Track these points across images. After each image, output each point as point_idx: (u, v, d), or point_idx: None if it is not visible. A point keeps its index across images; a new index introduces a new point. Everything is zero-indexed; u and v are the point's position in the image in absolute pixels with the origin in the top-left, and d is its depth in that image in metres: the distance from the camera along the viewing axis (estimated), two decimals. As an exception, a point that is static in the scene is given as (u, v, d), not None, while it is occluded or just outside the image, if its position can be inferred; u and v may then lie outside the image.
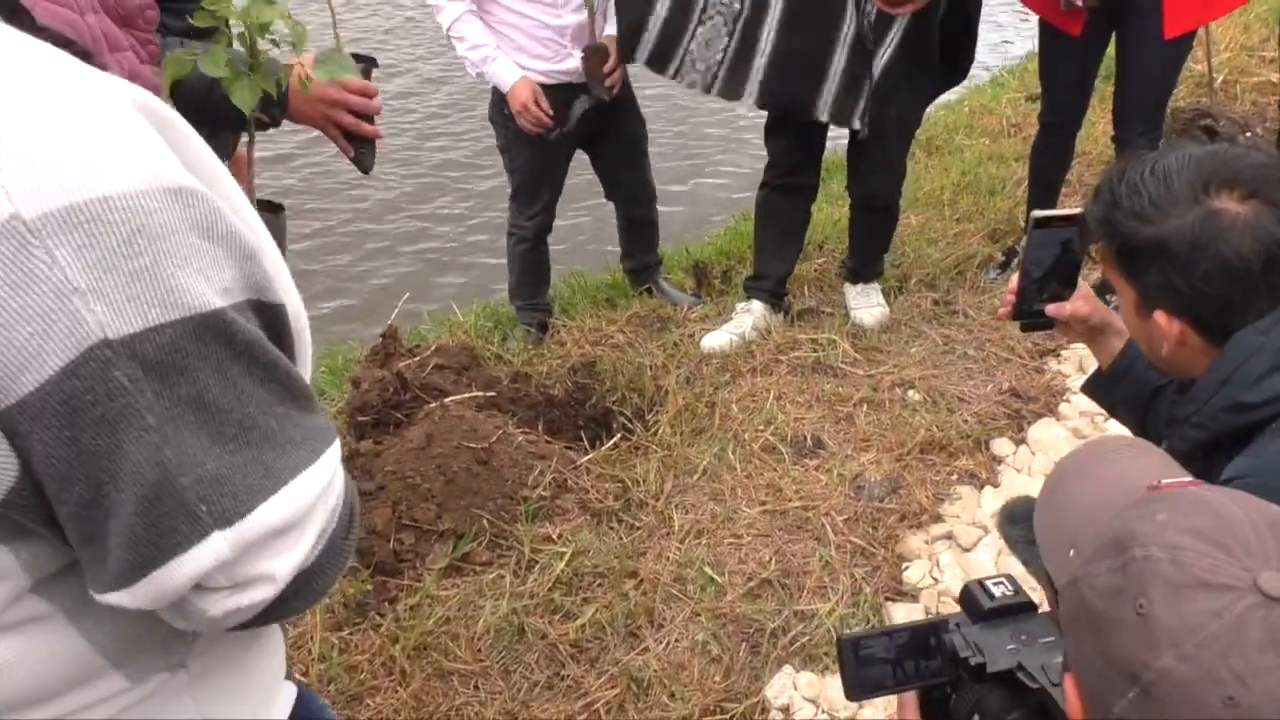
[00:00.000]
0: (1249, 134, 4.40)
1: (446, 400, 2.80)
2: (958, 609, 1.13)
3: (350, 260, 4.72)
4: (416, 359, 2.98)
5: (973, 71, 6.47)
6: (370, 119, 1.69)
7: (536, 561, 2.48)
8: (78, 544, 0.67)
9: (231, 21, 1.51)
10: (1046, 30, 3.24)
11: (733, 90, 2.96)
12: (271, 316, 0.75)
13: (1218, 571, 0.73)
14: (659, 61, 2.98)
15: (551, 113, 2.99)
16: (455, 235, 4.92)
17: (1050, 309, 1.61)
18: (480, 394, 2.88)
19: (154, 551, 0.66)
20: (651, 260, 3.62)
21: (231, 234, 0.69)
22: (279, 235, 1.60)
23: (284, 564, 0.72)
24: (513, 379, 3.10)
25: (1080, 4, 2.97)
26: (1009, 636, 1.08)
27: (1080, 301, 1.61)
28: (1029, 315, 1.65)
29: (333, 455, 0.77)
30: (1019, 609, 1.09)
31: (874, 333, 3.29)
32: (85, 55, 0.81)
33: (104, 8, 1.37)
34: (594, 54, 2.96)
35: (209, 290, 0.66)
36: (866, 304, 3.38)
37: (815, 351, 3.19)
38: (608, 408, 3.10)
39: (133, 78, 1.37)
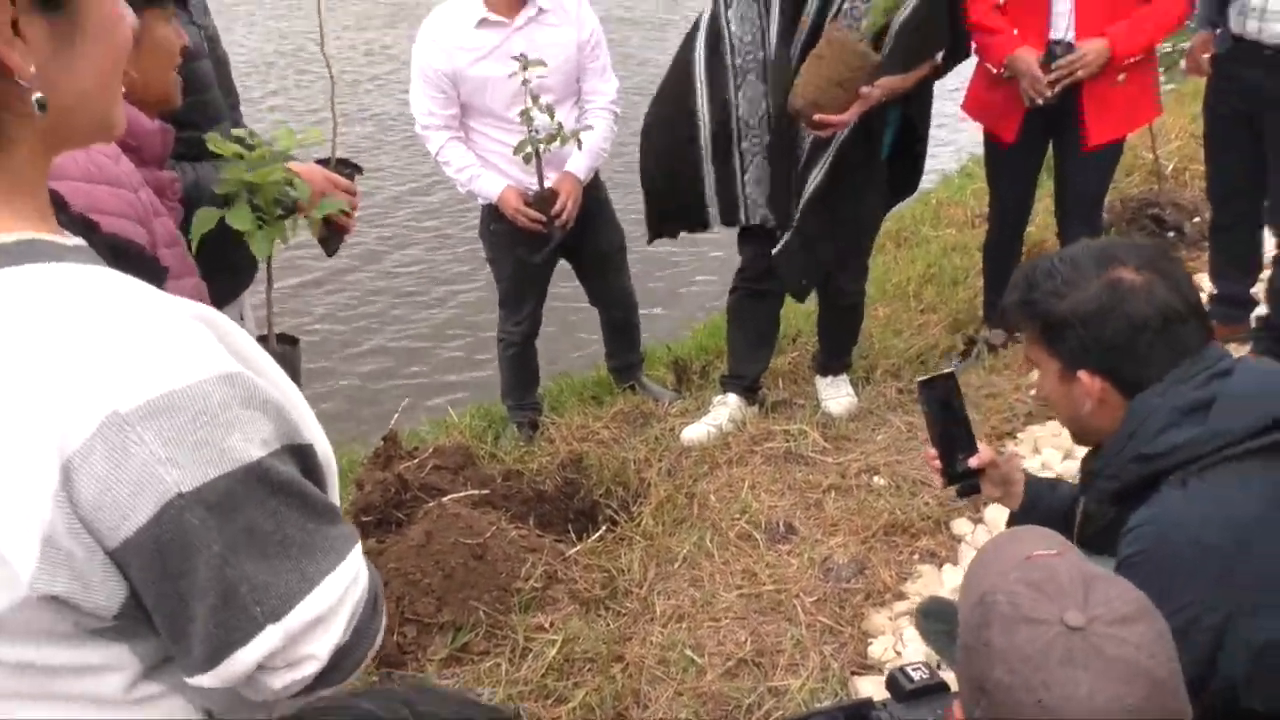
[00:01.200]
0: (1196, 219, 4.71)
1: (444, 499, 3.01)
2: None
3: (353, 367, 4.98)
4: (416, 460, 3.20)
5: (942, 164, 6.81)
6: (347, 214, 2.03)
7: (530, 649, 2.68)
8: (169, 641, 0.90)
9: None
10: (989, 138, 3.55)
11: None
12: (302, 455, 0.97)
13: (1038, 610, 0.99)
14: (730, 218, 3.25)
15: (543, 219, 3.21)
16: (454, 345, 5.19)
17: (973, 461, 1.86)
18: (475, 492, 3.09)
19: (224, 644, 0.89)
20: (634, 359, 3.88)
21: (266, 400, 0.92)
22: (296, 364, 1.86)
23: (324, 645, 0.94)
24: (505, 476, 3.32)
25: (1040, 103, 3.24)
26: (928, 712, 1.32)
27: (986, 449, 1.88)
28: (958, 478, 1.88)
29: (355, 556, 0.99)
30: (936, 689, 1.34)
31: (843, 421, 3.53)
32: (142, 256, 1.07)
33: (147, 181, 1.65)
34: (539, 200, 3.18)
35: (251, 446, 0.89)
36: (835, 395, 3.62)
37: (788, 441, 3.43)
38: (595, 501, 3.31)
39: (172, 235, 1.65)
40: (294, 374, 1.82)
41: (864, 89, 2.90)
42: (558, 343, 4.67)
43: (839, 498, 3.15)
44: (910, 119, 3.24)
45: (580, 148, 3.21)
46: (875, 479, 3.22)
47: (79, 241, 0.94)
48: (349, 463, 3.46)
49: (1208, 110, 3.46)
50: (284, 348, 1.83)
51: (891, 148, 3.26)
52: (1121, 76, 3.24)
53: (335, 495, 1.06)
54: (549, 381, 4.08)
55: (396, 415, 3.59)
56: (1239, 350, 3.58)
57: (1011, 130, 3.38)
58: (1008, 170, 3.55)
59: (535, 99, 2.96)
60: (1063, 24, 3.21)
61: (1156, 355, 1.52)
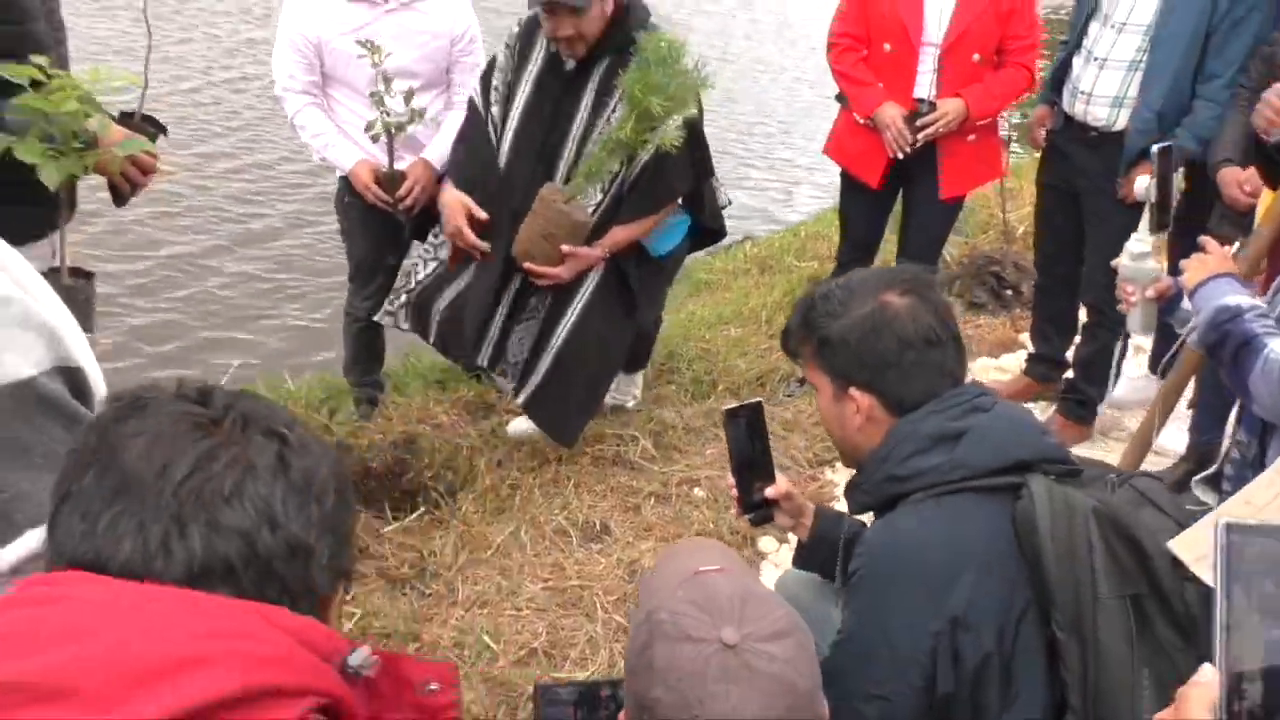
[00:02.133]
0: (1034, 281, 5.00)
1: (263, 465, 3.00)
2: None
3: (187, 320, 4.89)
4: (241, 425, 3.17)
5: (814, 197, 7.01)
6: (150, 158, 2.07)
7: (329, 621, 2.70)
8: None
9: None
10: (847, 180, 3.75)
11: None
12: (73, 377, 1.02)
13: (698, 628, 1.07)
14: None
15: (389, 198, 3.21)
16: (299, 311, 5.14)
17: (769, 491, 1.94)
18: (297, 461, 3.08)
19: None
20: None
21: (40, 323, 0.97)
22: (90, 298, 1.86)
23: None
24: (335, 449, 3.31)
25: (900, 156, 3.46)
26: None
27: (783, 481, 1.97)
28: (753, 507, 1.95)
29: None
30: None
31: (675, 432, 3.65)
32: None
33: None
34: (387, 180, 3.19)
35: (24, 364, 0.94)
36: (627, 391, 3.74)
37: (618, 445, 3.53)
38: (423, 483, 3.33)
39: None
40: (86, 307, 1.81)
41: (579, 249, 2.99)
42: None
43: (658, 504, 3.26)
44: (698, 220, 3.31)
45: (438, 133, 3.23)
46: (695, 490, 3.34)
47: None
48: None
49: (1039, 180, 3.71)
50: (77, 281, 1.82)
51: (691, 230, 3.32)
52: (972, 136, 3.52)
53: None
54: (396, 362, 4.08)
55: (226, 377, 3.55)
56: (1047, 410, 3.85)
57: (876, 176, 3.59)
58: (864, 210, 3.77)
59: (388, 82, 2.97)
60: (926, 83, 3.44)
61: (917, 374, 1.65)
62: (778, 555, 3.11)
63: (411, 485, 3.32)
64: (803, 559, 2.06)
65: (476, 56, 3.33)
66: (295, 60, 3.20)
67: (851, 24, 3.55)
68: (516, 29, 3.12)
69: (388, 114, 3.01)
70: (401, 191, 3.20)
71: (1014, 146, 5.01)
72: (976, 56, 3.41)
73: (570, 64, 3.01)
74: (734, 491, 1.94)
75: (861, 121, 3.54)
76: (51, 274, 1.85)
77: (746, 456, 1.93)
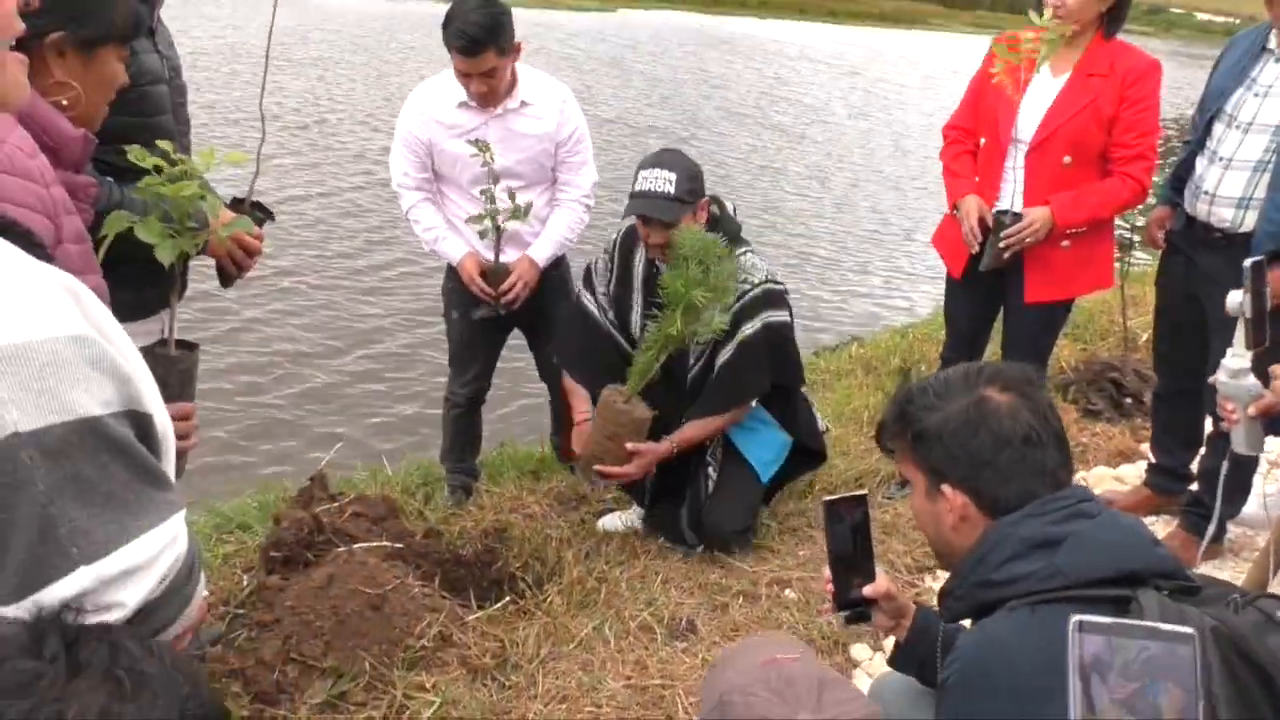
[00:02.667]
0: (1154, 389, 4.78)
1: (354, 547, 3.05)
2: None
3: (301, 409, 5.05)
4: (337, 504, 3.24)
5: (933, 299, 6.92)
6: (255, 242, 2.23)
7: (407, 708, 2.67)
8: None
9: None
10: (950, 276, 3.68)
11: None
12: (141, 422, 1.06)
13: (772, 709, 1.03)
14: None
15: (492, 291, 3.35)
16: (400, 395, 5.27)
17: (866, 589, 1.86)
18: (386, 544, 3.12)
19: (37, 576, 0.95)
20: None
21: (113, 366, 1.02)
22: (191, 369, 1.94)
23: (133, 594, 1.01)
24: (425, 534, 3.34)
25: (982, 269, 3.40)
26: None
27: (883, 579, 1.89)
28: (849, 604, 1.86)
29: (177, 520, 1.07)
30: None
31: (770, 531, 3.57)
32: (28, 236, 1.16)
33: (62, 181, 1.75)
34: (492, 274, 3.34)
35: (93, 403, 0.98)
36: None
37: (710, 543, 3.46)
38: (511, 573, 3.33)
39: (79, 233, 1.75)
40: (187, 378, 1.89)
41: (644, 445, 3.19)
42: (509, 413, 4.74)
43: (746, 604, 3.17)
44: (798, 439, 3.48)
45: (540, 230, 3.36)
46: (786, 591, 3.24)
47: None
48: (274, 498, 3.50)
49: (1158, 283, 3.56)
50: (180, 352, 1.91)
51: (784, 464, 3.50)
52: (1066, 243, 3.38)
53: (170, 466, 1.15)
54: (492, 449, 4.13)
55: (327, 458, 3.64)
56: (1169, 524, 3.62)
57: (958, 268, 3.53)
58: (961, 305, 3.68)
59: (496, 179, 3.11)
60: (1011, 180, 3.37)
61: (1015, 473, 1.58)
62: (871, 664, 2.97)
63: (499, 574, 3.32)
64: (900, 660, 1.96)
65: (581, 156, 3.45)
66: (409, 159, 3.41)
67: (961, 117, 3.56)
68: (616, 237, 3.39)
69: (494, 211, 3.14)
70: (504, 286, 3.33)
71: (1137, 252, 4.86)
72: (1067, 159, 3.29)
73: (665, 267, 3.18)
74: (829, 587, 1.86)
75: (949, 212, 3.52)
76: (160, 345, 1.94)
77: (846, 551, 1.85)
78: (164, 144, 1.96)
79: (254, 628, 2.83)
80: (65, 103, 1.76)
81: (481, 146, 3.11)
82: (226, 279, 2.25)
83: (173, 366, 1.86)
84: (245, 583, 3.05)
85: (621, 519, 3.60)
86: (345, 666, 2.73)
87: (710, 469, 3.39)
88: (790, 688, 1.07)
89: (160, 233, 1.79)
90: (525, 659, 2.89)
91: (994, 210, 3.38)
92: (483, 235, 3.26)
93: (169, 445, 1.14)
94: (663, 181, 3.11)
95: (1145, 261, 5.72)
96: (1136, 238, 4.74)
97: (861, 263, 8.32)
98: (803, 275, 7.88)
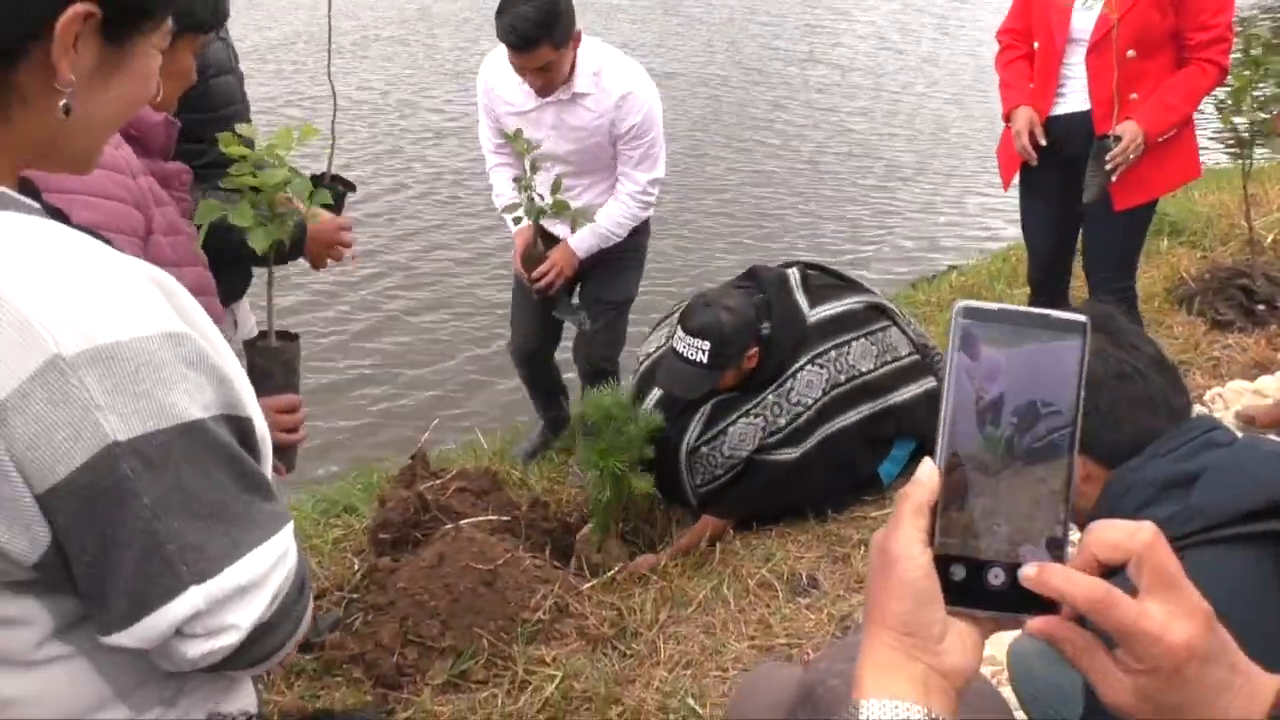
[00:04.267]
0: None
1: (461, 523, 3.03)
2: None
3: (395, 386, 5.07)
4: (439, 481, 3.22)
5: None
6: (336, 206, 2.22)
7: (529, 683, 2.65)
8: (88, 595, 0.90)
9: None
10: (1023, 194, 3.50)
11: None
12: (241, 426, 0.99)
13: None
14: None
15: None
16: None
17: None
18: (494, 517, 3.10)
19: (145, 599, 0.89)
20: None
21: (211, 366, 0.95)
22: (293, 360, 1.90)
23: (246, 616, 0.95)
24: (531, 505, 3.32)
25: (1087, 200, 3.21)
26: None
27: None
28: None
29: (287, 533, 1.00)
30: None
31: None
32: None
33: (150, 171, 1.70)
34: (529, 256, 3.35)
35: (193, 405, 0.91)
36: None
37: (824, 492, 3.36)
38: (622, 536, 3.29)
39: (173, 226, 1.70)
40: (290, 370, 1.84)
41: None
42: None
43: (869, 554, 3.05)
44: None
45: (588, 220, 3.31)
46: (910, 538, 3.12)
47: (37, 206, 0.97)
48: (377, 479, 3.50)
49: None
50: (281, 343, 1.86)
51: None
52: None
53: (269, 473, 1.07)
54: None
55: (426, 434, 3.62)
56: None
57: (1005, 178, 3.41)
58: (1040, 224, 3.52)
59: (535, 169, 3.07)
60: (1072, 95, 3.20)
61: (1122, 413, 1.44)
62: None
63: (609, 540, 3.28)
64: None
65: (642, 151, 3.34)
66: (487, 123, 3.43)
67: (1014, 19, 3.41)
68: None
69: (533, 199, 3.09)
70: (538, 272, 3.33)
71: (1259, 148, 4.54)
72: (1131, 53, 3.07)
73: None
74: None
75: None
76: (260, 337, 1.90)
77: None
78: (245, 129, 1.90)
79: (369, 611, 2.84)
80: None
81: (514, 138, 3.04)
82: (317, 262, 2.21)
83: (275, 358, 1.82)
84: (356, 566, 3.06)
85: None
86: (464, 645, 2.72)
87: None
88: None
89: (254, 218, 1.74)
90: (644, 625, 2.84)
91: (1048, 117, 3.23)
92: (516, 223, 3.27)
93: (267, 451, 1.07)
94: (695, 350, 3.05)
95: (1266, 157, 5.35)
96: (1258, 130, 4.41)
97: (953, 188, 8.03)
98: (891, 204, 7.62)
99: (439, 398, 4.87)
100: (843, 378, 3.21)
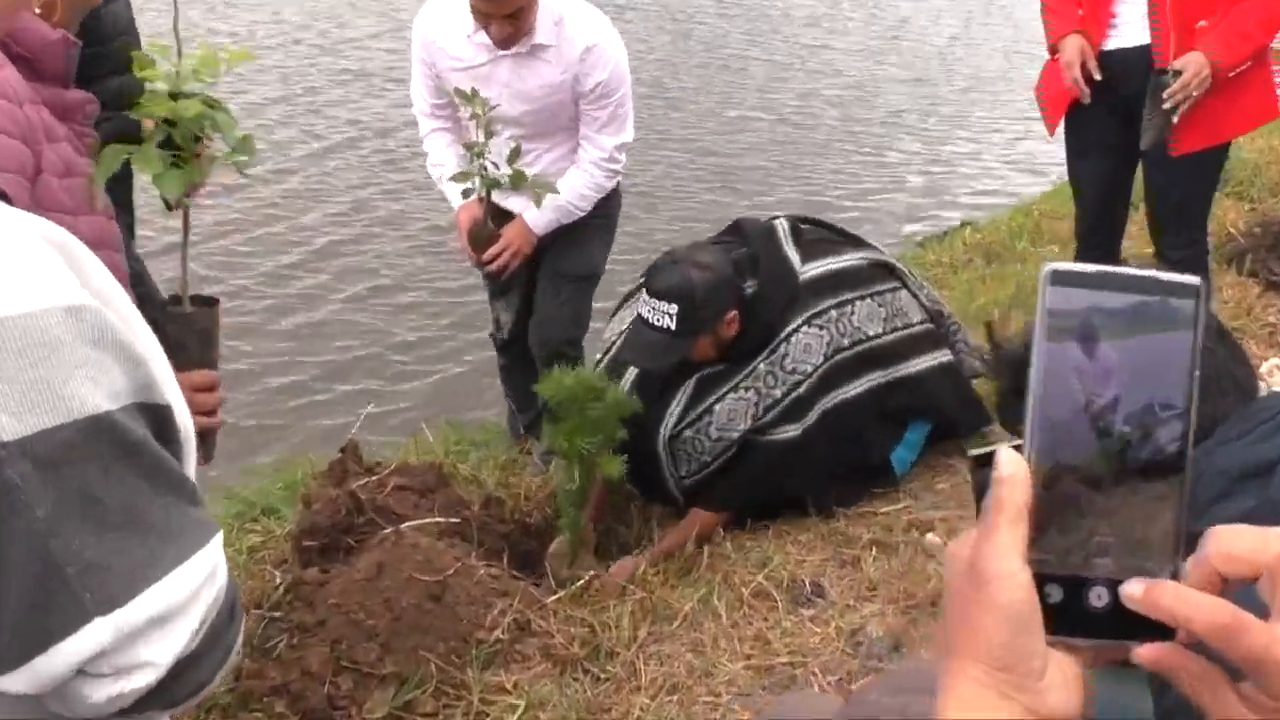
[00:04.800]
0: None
1: (402, 526, 2.94)
2: None
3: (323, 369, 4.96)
4: (375, 478, 3.14)
5: (1048, 166, 6.71)
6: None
7: (487, 714, 2.58)
8: None
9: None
10: (1070, 137, 3.48)
11: None
12: (158, 416, 0.92)
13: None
14: None
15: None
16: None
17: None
18: (442, 520, 3.02)
19: (40, 635, 0.82)
20: None
21: (120, 344, 0.87)
22: (211, 328, 1.81)
23: (165, 651, 0.87)
24: (484, 504, 3.25)
25: (1145, 146, 3.19)
26: None
27: None
28: None
29: (215, 547, 0.93)
30: None
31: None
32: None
33: (44, 100, 1.60)
34: (477, 235, 3.29)
35: (98, 394, 0.84)
36: None
37: (827, 484, 3.31)
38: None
39: (69, 166, 1.61)
40: (207, 341, 1.76)
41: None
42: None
43: (881, 556, 3.02)
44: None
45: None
46: (928, 537, 3.10)
47: None
48: (301, 476, 3.42)
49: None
50: (197, 309, 1.77)
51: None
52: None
53: (192, 471, 1.02)
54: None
55: (359, 423, 3.53)
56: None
57: (1054, 119, 3.39)
58: (1087, 168, 3.51)
59: (489, 134, 3.02)
60: (1127, 24, 3.17)
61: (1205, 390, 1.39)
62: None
63: (578, 544, 3.21)
64: None
65: (608, 114, 3.29)
66: (424, 82, 3.38)
67: None
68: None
69: (485, 169, 3.06)
70: (487, 255, 3.29)
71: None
72: None
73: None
74: None
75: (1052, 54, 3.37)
76: (172, 302, 1.83)
77: None
78: (158, 48, 1.78)
79: (294, 633, 2.75)
80: (38, 10, 1.63)
81: (469, 98, 2.98)
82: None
83: (190, 327, 1.72)
84: (278, 580, 2.97)
85: None
86: (408, 671, 2.64)
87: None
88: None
89: (161, 162, 1.63)
90: (621, 644, 2.78)
91: (1100, 51, 3.20)
92: (465, 195, 3.22)
93: (189, 447, 1.00)
94: (661, 315, 2.98)
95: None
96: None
97: (964, 136, 8.01)
98: (892, 155, 7.59)
99: (373, 383, 4.78)
100: (846, 341, 3.14)
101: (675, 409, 3.14)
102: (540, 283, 3.56)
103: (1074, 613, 0.62)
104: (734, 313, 3.05)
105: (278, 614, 2.83)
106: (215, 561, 0.93)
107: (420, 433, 3.91)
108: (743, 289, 3.08)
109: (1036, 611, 0.60)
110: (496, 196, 3.28)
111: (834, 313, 3.14)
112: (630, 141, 3.40)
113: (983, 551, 0.60)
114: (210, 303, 1.87)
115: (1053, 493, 0.61)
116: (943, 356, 3.30)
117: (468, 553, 2.92)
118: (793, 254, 3.21)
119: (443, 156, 3.40)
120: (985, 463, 1.63)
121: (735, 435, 3.09)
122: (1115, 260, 3.62)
